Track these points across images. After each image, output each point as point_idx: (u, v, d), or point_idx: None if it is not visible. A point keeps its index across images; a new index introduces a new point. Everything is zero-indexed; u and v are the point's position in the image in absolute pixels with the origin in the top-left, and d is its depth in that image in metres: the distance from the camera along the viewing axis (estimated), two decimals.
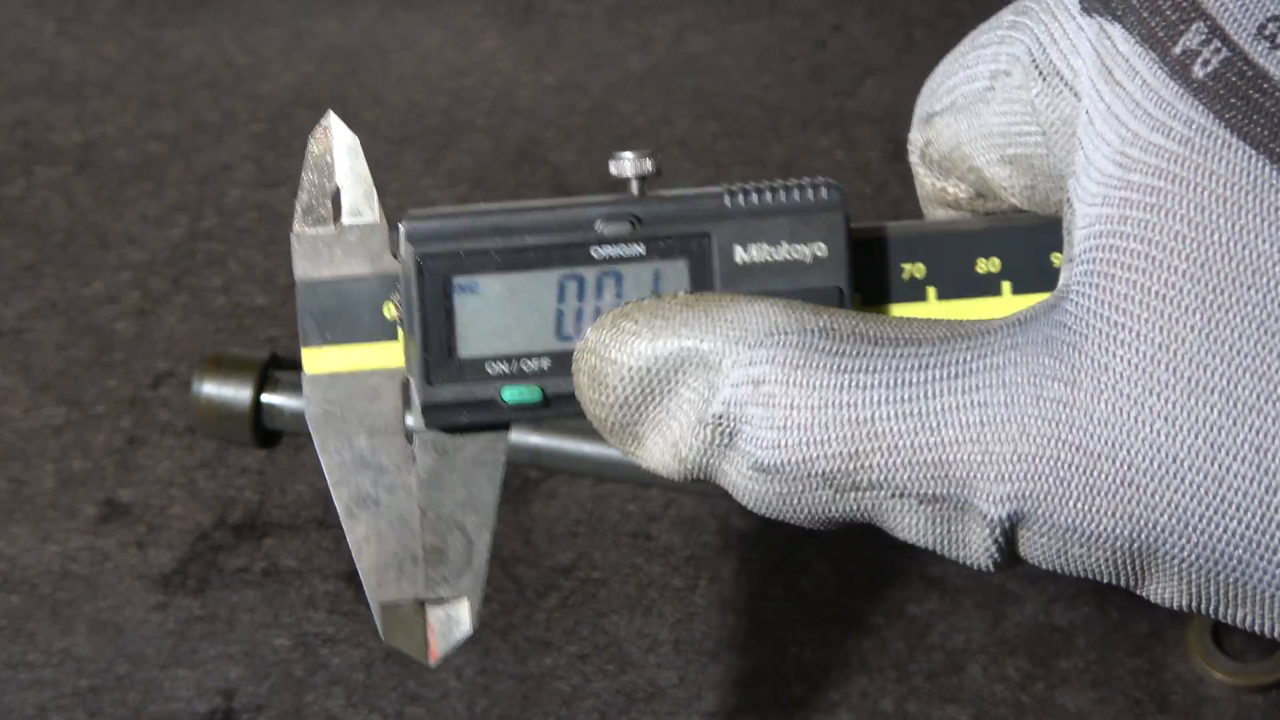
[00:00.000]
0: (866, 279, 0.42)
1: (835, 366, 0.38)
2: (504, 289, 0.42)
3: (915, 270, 0.42)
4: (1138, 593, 0.39)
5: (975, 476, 0.37)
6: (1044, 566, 0.39)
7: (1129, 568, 0.38)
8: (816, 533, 0.62)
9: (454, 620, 0.43)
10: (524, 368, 0.42)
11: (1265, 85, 0.36)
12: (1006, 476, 0.37)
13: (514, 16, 0.89)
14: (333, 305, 0.43)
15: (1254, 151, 0.36)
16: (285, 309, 0.73)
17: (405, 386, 0.43)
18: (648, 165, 0.42)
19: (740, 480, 0.39)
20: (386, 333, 0.42)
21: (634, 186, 0.42)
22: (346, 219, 0.43)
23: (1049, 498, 0.37)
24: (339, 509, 0.43)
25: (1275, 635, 0.38)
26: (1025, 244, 0.42)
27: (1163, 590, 0.38)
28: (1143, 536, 0.37)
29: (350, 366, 0.43)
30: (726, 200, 0.41)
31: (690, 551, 0.64)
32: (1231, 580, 0.37)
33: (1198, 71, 0.37)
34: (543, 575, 0.63)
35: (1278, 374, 0.35)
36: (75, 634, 0.61)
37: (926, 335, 0.39)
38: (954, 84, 0.42)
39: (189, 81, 0.86)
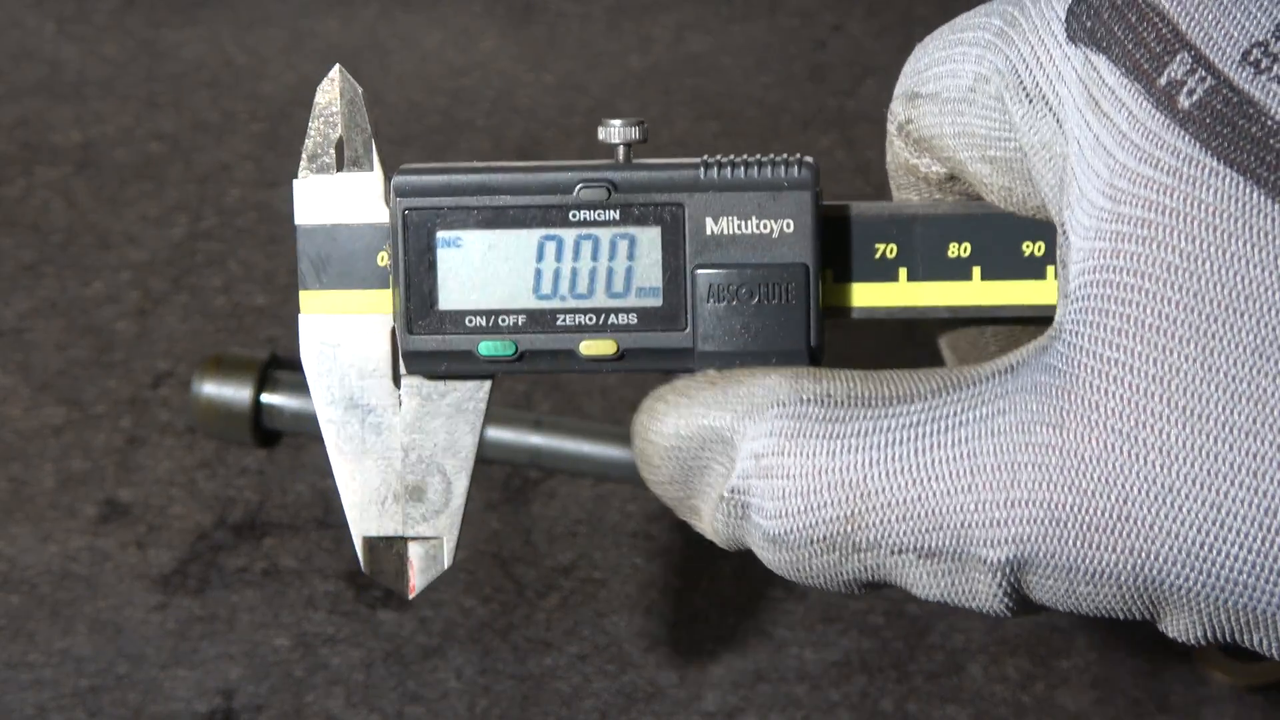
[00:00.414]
0: (838, 257, 0.43)
1: (827, 433, 0.39)
2: (485, 246, 0.43)
3: (888, 250, 0.43)
4: (1160, 629, 0.39)
5: (971, 525, 0.38)
6: (1060, 609, 0.39)
7: (1140, 602, 0.38)
8: None
9: (432, 557, 0.44)
10: (500, 323, 0.43)
11: (1251, 111, 0.37)
12: (1001, 521, 0.38)
13: (514, 16, 0.89)
14: (330, 251, 0.44)
15: (1241, 178, 0.36)
16: (285, 309, 0.73)
17: (394, 333, 0.43)
18: (634, 133, 0.43)
19: (759, 551, 0.40)
20: (380, 280, 0.43)
21: (620, 153, 0.43)
22: (347, 169, 0.44)
23: (1047, 539, 0.37)
24: (327, 445, 0.44)
25: None
26: (997, 231, 0.43)
27: (1179, 623, 0.38)
28: (1147, 569, 0.37)
29: (344, 309, 0.44)
30: (701, 172, 0.42)
31: (690, 551, 0.64)
32: (1240, 606, 0.37)
33: (1183, 101, 0.37)
34: (543, 575, 0.63)
35: (1273, 396, 0.35)
36: (75, 634, 0.61)
37: (920, 390, 0.39)
38: (940, 72, 0.42)
39: (189, 81, 0.86)
